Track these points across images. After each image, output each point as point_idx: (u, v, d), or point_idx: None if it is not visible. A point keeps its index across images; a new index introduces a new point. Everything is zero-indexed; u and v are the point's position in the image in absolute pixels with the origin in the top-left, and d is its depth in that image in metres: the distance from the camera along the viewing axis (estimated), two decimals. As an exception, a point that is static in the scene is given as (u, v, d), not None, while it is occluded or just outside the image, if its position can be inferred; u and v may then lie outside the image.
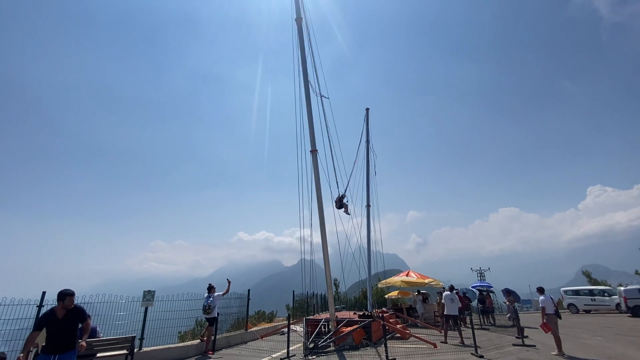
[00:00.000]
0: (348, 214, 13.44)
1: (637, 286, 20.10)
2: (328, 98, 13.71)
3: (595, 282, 28.94)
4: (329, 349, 10.61)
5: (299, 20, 13.55)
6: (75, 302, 7.84)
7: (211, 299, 10.13)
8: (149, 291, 9.53)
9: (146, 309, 9.27)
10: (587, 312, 23.02)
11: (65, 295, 5.08)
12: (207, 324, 10.31)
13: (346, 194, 13.44)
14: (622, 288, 20.73)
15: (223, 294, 10.71)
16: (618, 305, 21.12)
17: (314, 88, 13.09)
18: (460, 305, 12.18)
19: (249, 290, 13.70)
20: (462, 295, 18.09)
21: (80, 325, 5.25)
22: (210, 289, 10.45)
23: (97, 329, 7.62)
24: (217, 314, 10.50)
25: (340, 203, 13.06)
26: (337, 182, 12.89)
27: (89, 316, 7.23)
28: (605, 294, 22.64)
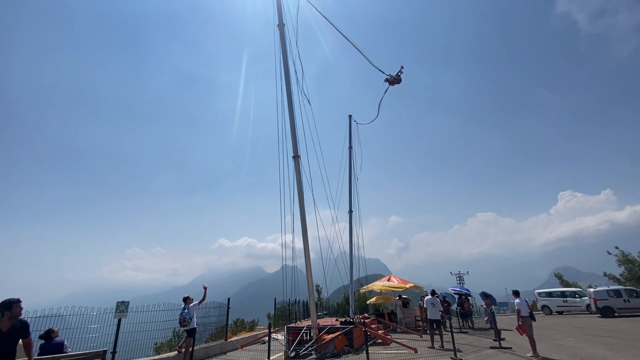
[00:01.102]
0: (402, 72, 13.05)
1: (606, 288, 21.08)
2: (310, 104, 13.72)
3: (566, 284, 30.14)
4: (311, 357, 10.49)
5: (281, 25, 13.58)
6: (42, 313, 7.37)
7: (186, 310, 9.68)
8: (123, 302, 9.14)
9: (119, 320, 8.87)
10: (560, 313, 23.92)
11: (11, 304, 4.54)
12: (186, 334, 9.96)
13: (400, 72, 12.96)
14: (591, 289, 21.61)
15: (200, 303, 10.26)
16: (588, 306, 22.02)
17: (300, 88, 13.12)
18: (442, 310, 12.40)
19: (228, 298, 13.39)
20: (442, 299, 18.42)
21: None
22: (186, 299, 10.00)
23: (65, 343, 7.20)
24: (196, 324, 10.16)
25: (396, 78, 12.64)
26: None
27: (55, 330, 6.85)
28: (576, 295, 23.63)
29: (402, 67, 12.73)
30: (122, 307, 9.04)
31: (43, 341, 6.54)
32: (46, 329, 6.80)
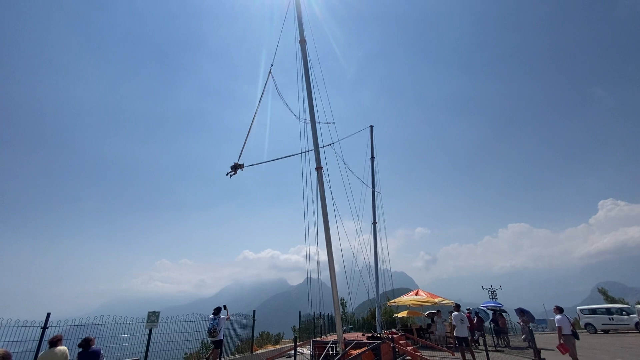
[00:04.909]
0: (233, 173, 11.60)
1: (657, 304, 19.32)
2: (333, 123, 13.67)
3: (612, 300, 27.90)
4: (337, 372, 10.24)
5: (302, 42, 13.86)
6: (80, 322, 7.68)
7: (217, 321, 9.94)
8: (154, 312, 9.42)
9: (150, 330, 9.12)
10: (606, 332, 22.08)
11: None
12: (213, 346, 10.10)
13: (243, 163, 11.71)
14: (640, 306, 19.95)
15: (227, 318, 10.60)
16: (637, 324, 20.25)
17: (317, 112, 13.20)
18: (469, 326, 11.72)
19: (254, 311, 13.44)
20: (474, 315, 17.46)
21: None
22: (217, 310, 10.29)
23: (101, 352, 7.49)
24: (223, 336, 10.29)
25: (235, 169, 11.63)
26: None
27: (92, 339, 7.11)
28: (624, 312, 21.75)
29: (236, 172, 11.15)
30: (153, 317, 9.31)
31: (81, 349, 6.83)
32: (83, 337, 7.10)
